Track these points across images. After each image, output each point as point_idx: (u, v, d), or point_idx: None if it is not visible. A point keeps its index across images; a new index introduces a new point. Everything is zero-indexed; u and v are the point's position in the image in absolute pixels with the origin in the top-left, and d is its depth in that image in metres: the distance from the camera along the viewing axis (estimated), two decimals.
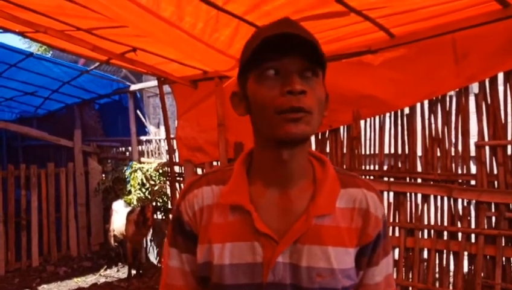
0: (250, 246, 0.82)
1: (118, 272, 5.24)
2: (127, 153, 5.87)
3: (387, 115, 2.85)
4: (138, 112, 5.67)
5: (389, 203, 2.78)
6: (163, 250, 0.96)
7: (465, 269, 2.52)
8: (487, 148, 2.42)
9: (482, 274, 2.40)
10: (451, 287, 2.57)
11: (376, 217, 0.86)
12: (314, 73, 0.79)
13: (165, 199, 5.09)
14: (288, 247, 0.81)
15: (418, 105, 2.69)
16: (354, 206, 0.86)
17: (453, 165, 2.55)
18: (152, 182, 5.08)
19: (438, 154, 2.60)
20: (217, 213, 0.86)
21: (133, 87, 5.62)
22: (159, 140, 5.46)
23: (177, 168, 4.74)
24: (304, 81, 0.77)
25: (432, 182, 2.62)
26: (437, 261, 2.60)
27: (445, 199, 2.56)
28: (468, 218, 2.49)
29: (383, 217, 0.88)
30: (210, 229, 0.85)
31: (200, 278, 0.88)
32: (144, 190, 5.11)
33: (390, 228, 2.77)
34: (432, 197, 2.62)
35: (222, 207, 0.86)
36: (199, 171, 4.18)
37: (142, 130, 5.73)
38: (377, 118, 2.91)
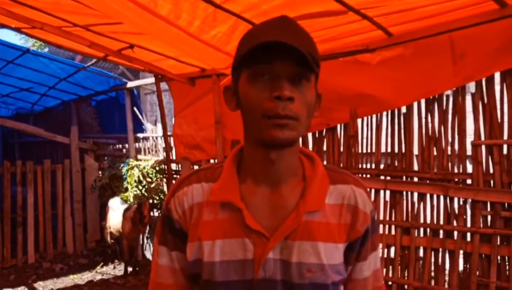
0: (241, 243, 0.83)
1: (114, 269, 5.23)
2: (124, 150, 5.85)
3: (384, 113, 2.86)
4: (135, 109, 5.66)
5: (385, 202, 2.79)
6: (153, 248, 0.95)
7: (461, 267, 2.54)
8: (483, 147, 2.43)
9: (477, 273, 2.41)
10: (446, 286, 2.59)
11: (364, 213, 0.87)
12: (305, 78, 0.79)
13: (161, 196, 5.08)
14: (278, 243, 0.82)
15: (415, 104, 2.70)
16: (343, 202, 0.87)
17: (450, 164, 2.56)
18: (149, 180, 5.07)
19: (435, 153, 2.61)
20: (207, 211, 0.86)
21: (130, 84, 5.61)
22: (156, 137, 5.45)
23: (174, 166, 4.73)
24: (293, 87, 0.77)
25: (428, 181, 2.63)
26: (433, 260, 2.61)
27: (442, 197, 2.58)
28: (464, 217, 2.50)
29: (371, 213, 0.89)
30: (200, 227, 0.86)
31: (191, 276, 0.88)
32: (140, 187, 5.11)
33: (387, 226, 2.78)
34: (428, 195, 2.63)
35: (212, 204, 0.86)
36: (196, 168, 4.17)
37: (139, 127, 5.72)
38: (374, 116, 2.92)
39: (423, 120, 2.66)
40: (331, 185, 0.87)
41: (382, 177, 2.82)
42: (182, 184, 0.90)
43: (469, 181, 2.49)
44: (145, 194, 5.08)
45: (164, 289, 0.91)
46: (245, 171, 0.87)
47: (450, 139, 2.56)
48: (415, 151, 2.72)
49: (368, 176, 2.87)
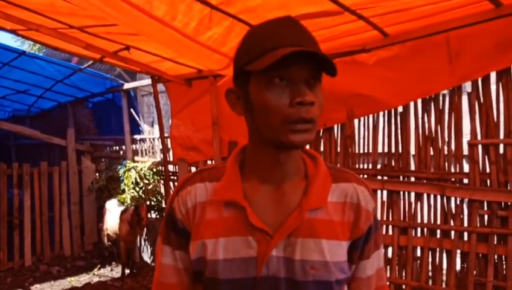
0: (245, 241, 0.83)
1: (112, 272, 5.22)
2: (121, 152, 5.84)
3: (381, 113, 2.86)
4: (132, 110, 5.65)
5: (382, 202, 2.79)
6: (156, 247, 0.95)
7: (458, 267, 2.54)
8: (480, 147, 2.43)
9: (475, 272, 2.42)
10: (444, 285, 2.59)
11: (367, 211, 0.88)
12: (318, 80, 0.80)
13: (159, 198, 5.08)
14: (282, 241, 0.82)
15: (412, 104, 2.70)
16: (345, 200, 0.87)
17: (446, 163, 2.56)
18: (146, 181, 5.06)
19: (431, 153, 2.62)
20: (210, 210, 0.86)
21: (127, 85, 5.60)
22: (153, 139, 5.44)
23: (171, 167, 4.72)
24: (310, 90, 0.78)
25: (425, 181, 2.63)
26: (430, 259, 2.61)
27: (438, 197, 2.58)
28: (461, 216, 2.50)
29: (373, 211, 0.89)
30: (203, 226, 0.86)
31: (194, 274, 0.89)
32: (137, 189, 5.09)
33: (384, 226, 2.78)
34: (425, 195, 2.64)
35: (216, 203, 0.86)
36: (193, 170, 4.17)
37: (136, 128, 5.71)
38: (371, 116, 2.92)
39: (420, 120, 2.67)
40: (333, 183, 0.88)
41: (379, 177, 2.83)
42: (186, 184, 0.91)
43: (466, 181, 2.50)
44: (143, 196, 5.06)
45: (167, 288, 0.91)
46: (248, 170, 0.88)
47: (446, 139, 2.57)
48: (412, 151, 2.72)
49: (365, 176, 2.87)
